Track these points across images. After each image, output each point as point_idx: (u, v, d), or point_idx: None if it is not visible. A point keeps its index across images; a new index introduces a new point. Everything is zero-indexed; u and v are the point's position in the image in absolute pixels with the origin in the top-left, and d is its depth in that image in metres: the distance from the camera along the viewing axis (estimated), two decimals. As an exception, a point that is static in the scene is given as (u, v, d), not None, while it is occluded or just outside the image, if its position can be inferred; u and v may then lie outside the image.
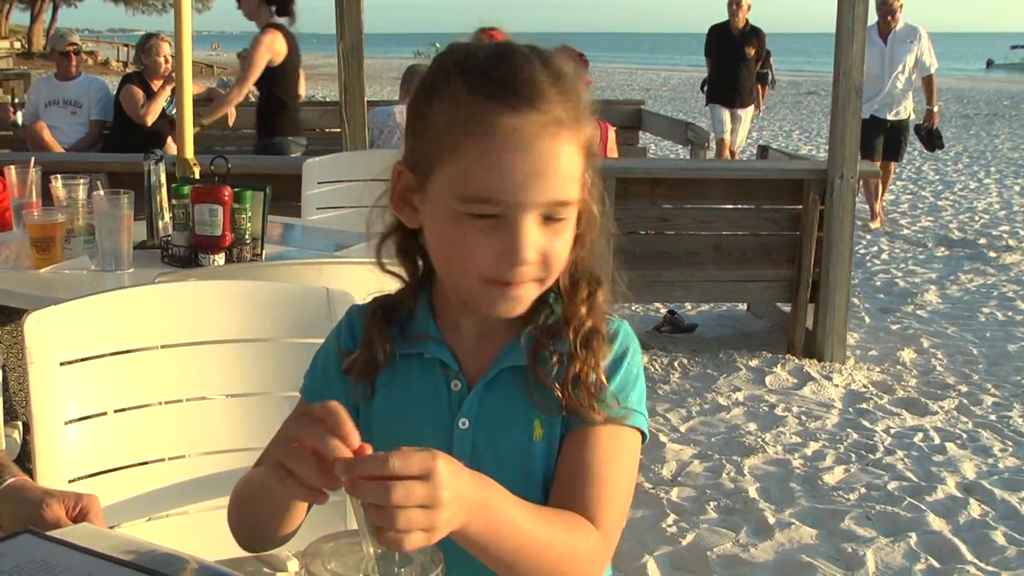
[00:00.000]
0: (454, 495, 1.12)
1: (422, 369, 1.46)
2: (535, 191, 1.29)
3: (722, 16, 11.57)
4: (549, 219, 1.32)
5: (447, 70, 1.35)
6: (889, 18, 9.93)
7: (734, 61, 11.46)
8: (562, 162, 1.30)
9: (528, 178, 1.29)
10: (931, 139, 10.45)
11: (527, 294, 1.37)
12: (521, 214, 1.30)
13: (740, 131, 11.81)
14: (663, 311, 6.69)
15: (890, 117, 9.96)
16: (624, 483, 1.42)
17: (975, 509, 4.08)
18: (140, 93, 7.58)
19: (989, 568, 3.63)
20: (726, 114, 11.61)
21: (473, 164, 1.29)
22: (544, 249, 1.33)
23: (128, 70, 11.39)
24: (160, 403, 2.14)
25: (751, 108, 11.92)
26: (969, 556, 3.71)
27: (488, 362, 1.45)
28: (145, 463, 2.13)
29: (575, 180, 1.33)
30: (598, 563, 1.36)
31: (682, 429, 4.85)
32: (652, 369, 5.65)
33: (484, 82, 1.30)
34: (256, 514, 1.44)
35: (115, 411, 2.09)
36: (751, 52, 11.46)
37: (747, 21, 11.46)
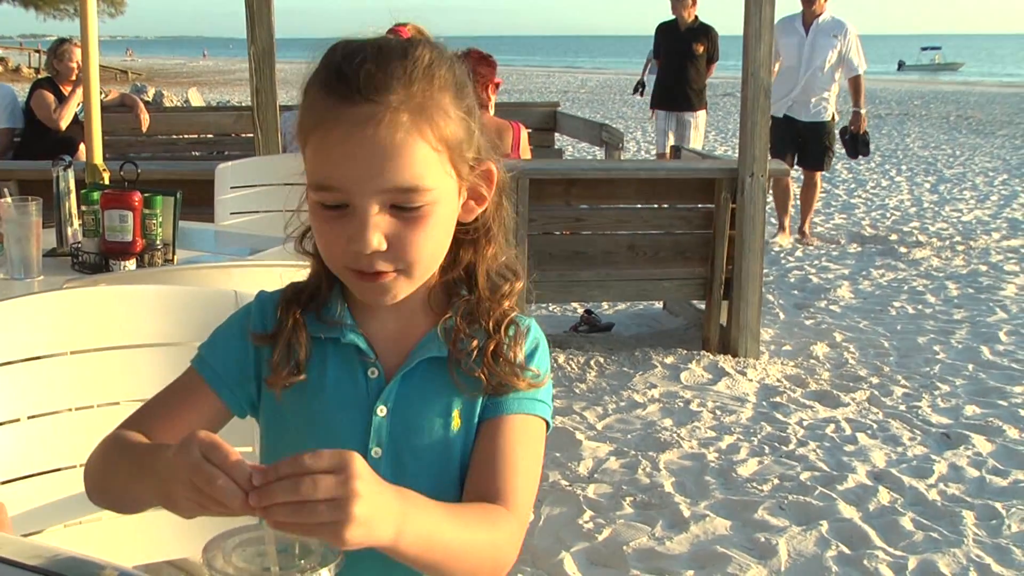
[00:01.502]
0: (373, 494, 1.12)
1: (338, 355, 1.49)
2: (371, 179, 1.33)
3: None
4: (398, 208, 1.36)
5: (314, 70, 1.40)
6: (813, 5, 9.32)
7: (680, 61, 10.58)
8: (403, 152, 1.33)
9: (363, 166, 1.33)
10: (855, 145, 9.77)
11: (393, 286, 1.41)
12: (362, 202, 1.34)
13: (693, 139, 10.60)
14: (580, 311, 6.75)
15: (804, 119, 9.40)
16: (534, 467, 1.49)
17: (884, 496, 4.17)
18: (51, 98, 7.49)
19: (897, 553, 3.72)
20: (671, 122, 10.69)
21: (317, 155, 1.36)
22: (394, 239, 1.36)
23: (40, 76, 11.24)
24: (70, 410, 2.13)
25: (702, 113, 10.85)
26: (878, 542, 3.80)
27: (406, 352, 1.48)
28: (57, 470, 2.12)
29: (423, 171, 1.35)
30: (515, 545, 1.42)
31: (599, 427, 4.90)
32: (569, 368, 5.70)
33: (330, 78, 1.36)
34: (123, 488, 1.42)
35: (28, 418, 2.08)
36: (699, 50, 10.52)
37: (696, 17, 10.53)
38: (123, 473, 1.40)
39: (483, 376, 1.45)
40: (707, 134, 20.08)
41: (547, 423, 1.51)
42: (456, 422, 1.47)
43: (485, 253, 1.51)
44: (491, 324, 1.48)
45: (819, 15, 9.42)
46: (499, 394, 1.47)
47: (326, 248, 1.41)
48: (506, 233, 1.54)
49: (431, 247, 1.41)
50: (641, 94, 11.82)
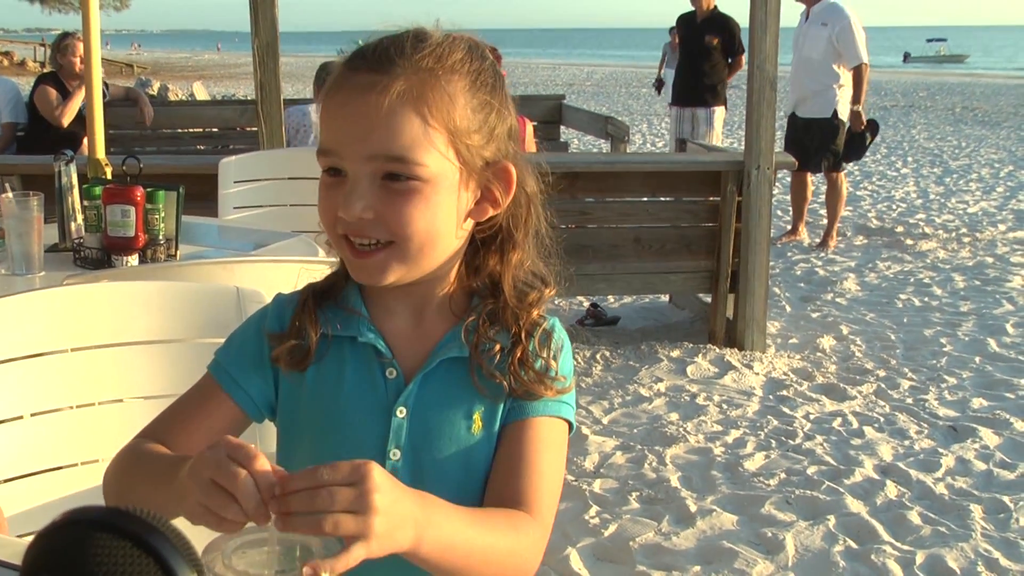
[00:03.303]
0: (393, 504, 1.11)
1: (355, 354, 1.47)
2: (359, 142, 1.34)
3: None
4: (391, 178, 1.34)
5: None
6: None
7: (694, 54, 9.93)
8: (392, 120, 1.33)
9: (354, 129, 1.34)
10: (851, 146, 8.90)
11: (384, 265, 1.38)
12: (352, 167, 1.35)
13: (708, 137, 9.79)
14: (586, 304, 6.73)
15: (802, 115, 8.88)
16: (557, 472, 1.46)
17: (892, 491, 4.15)
18: (54, 93, 7.45)
19: (905, 547, 3.70)
20: (684, 118, 10.03)
21: (323, 121, 1.38)
22: (383, 210, 1.35)
23: (44, 70, 11.22)
24: (71, 407, 2.12)
25: (720, 109, 10.04)
26: (886, 536, 3.78)
27: (425, 352, 1.46)
28: (58, 468, 2.11)
29: (412, 143, 1.33)
30: (538, 551, 1.39)
31: (604, 421, 4.88)
32: (575, 362, 5.64)
33: (351, 54, 1.39)
34: (143, 499, 1.36)
35: (31, 415, 2.07)
36: (714, 42, 9.79)
37: (715, 7, 9.87)
38: (142, 483, 1.38)
39: (506, 383, 1.43)
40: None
41: (570, 424, 1.49)
42: (477, 425, 1.45)
43: (510, 259, 1.48)
44: (522, 332, 1.46)
45: (817, 1, 8.83)
46: (523, 398, 1.45)
47: (323, 215, 1.40)
48: (539, 242, 1.52)
49: (423, 224, 1.36)
50: (659, 91, 11.48)
